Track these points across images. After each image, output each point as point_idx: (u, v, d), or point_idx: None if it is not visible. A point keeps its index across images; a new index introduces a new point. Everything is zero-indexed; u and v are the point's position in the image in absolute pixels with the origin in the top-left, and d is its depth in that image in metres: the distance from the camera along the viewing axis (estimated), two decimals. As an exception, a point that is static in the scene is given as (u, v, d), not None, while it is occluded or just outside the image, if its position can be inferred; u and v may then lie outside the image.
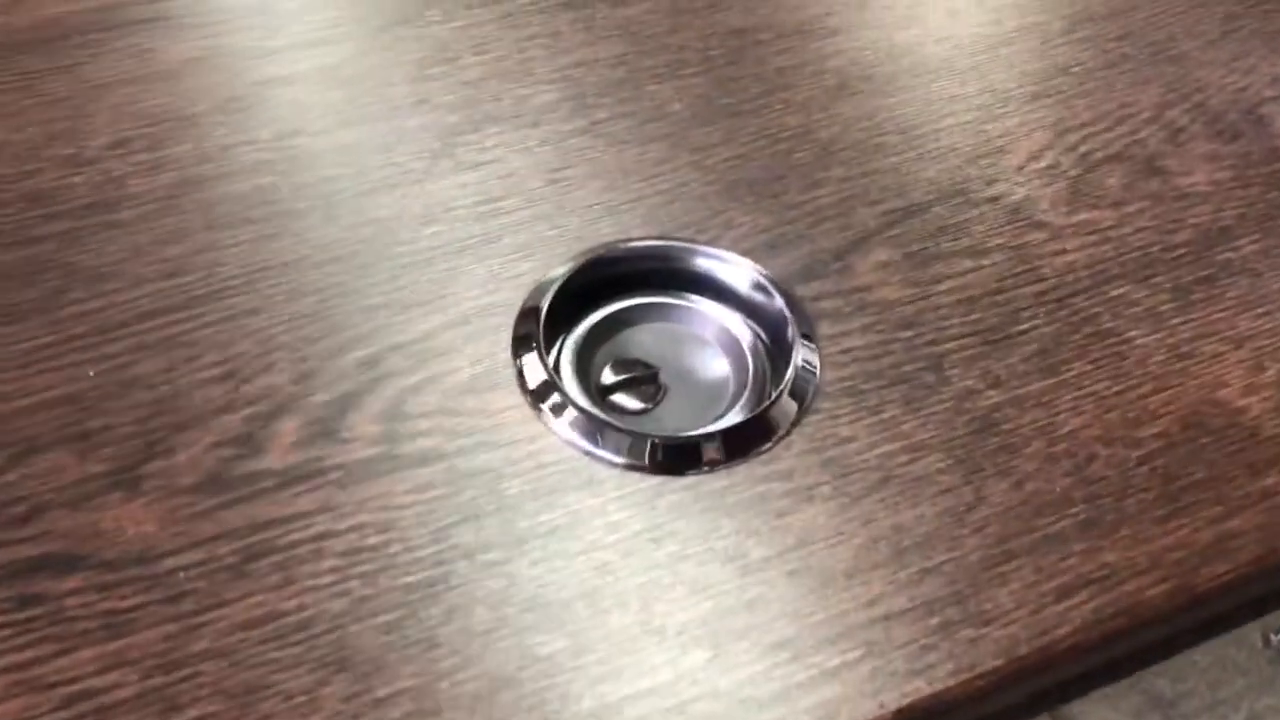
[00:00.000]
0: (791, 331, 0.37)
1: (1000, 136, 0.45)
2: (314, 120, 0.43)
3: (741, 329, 0.39)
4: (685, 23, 0.49)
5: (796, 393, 0.36)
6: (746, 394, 0.37)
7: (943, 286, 0.39)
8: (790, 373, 0.35)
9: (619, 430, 0.34)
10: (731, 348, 0.38)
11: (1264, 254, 0.41)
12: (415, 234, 0.39)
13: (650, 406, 0.37)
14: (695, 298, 0.39)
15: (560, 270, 0.38)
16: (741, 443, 0.34)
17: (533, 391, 0.35)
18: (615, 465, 0.34)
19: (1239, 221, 0.42)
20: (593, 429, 0.34)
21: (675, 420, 0.36)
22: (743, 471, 0.34)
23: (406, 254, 0.39)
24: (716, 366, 0.38)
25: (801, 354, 0.36)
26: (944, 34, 0.49)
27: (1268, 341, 0.38)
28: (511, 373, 0.36)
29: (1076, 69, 0.48)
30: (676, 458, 0.34)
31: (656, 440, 0.34)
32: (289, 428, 0.34)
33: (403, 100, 0.44)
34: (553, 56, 0.47)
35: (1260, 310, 0.39)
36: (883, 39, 0.49)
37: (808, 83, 0.47)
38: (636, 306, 0.39)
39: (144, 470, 0.32)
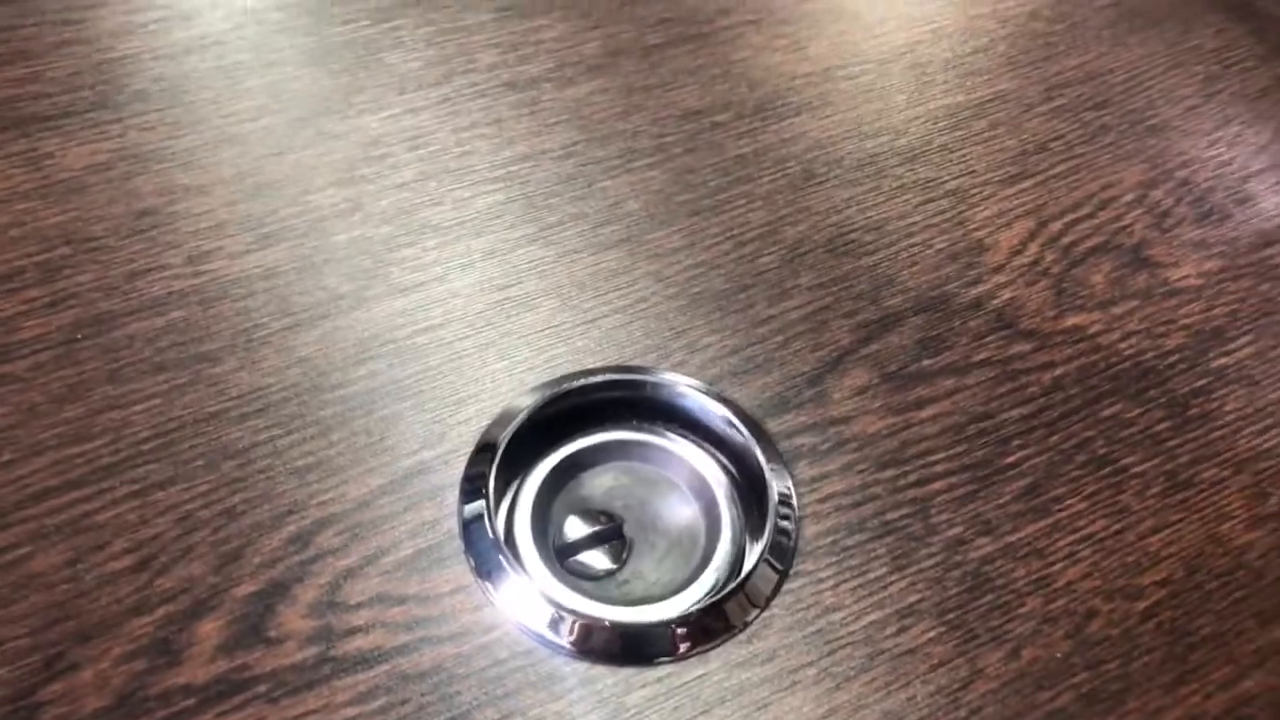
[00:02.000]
0: (767, 481, 0.34)
1: (979, 228, 0.42)
2: (231, 238, 0.39)
3: (712, 469, 0.35)
4: (637, 104, 0.45)
5: (775, 554, 0.33)
6: (721, 546, 0.34)
7: (926, 413, 0.36)
8: (767, 536, 0.32)
9: (580, 616, 0.31)
10: (702, 491, 0.35)
11: (1260, 357, 0.39)
12: (347, 375, 0.36)
13: (616, 567, 0.34)
14: (661, 432, 0.36)
15: (510, 412, 0.35)
16: (717, 623, 0.31)
17: (482, 569, 0.32)
18: (577, 657, 0.30)
19: (1231, 320, 0.40)
20: (552, 614, 0.31)
21: (645, 584, 0.33)
22: (720, 656, 0.31)
23: (338, 401, 0.35)
24: (687, 514, 0.35)
25: (779, 510, 0.33)
26: (912, 108, 0.46)
27: (1269, 464, 0.36)
28: (459, 545, 0.32)
29: (1056, 144, 0.45)
30: (645, 645, 0.31)
31: (623, 628, 0.31)
32: (210, 629, 0.30)
33: (330, 209, 0.40)
34: (496, 149, 0.43)
35: (1260, 425, 0.37)
36: (848, 117, 0.46)
37: (770, 172, 0.43)
38: (596, 446, 0.36)
39: (42, 695, 0.29)
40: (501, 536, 0.32)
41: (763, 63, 0.47)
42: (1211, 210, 0.43)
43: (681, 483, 0.35)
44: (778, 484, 0.34)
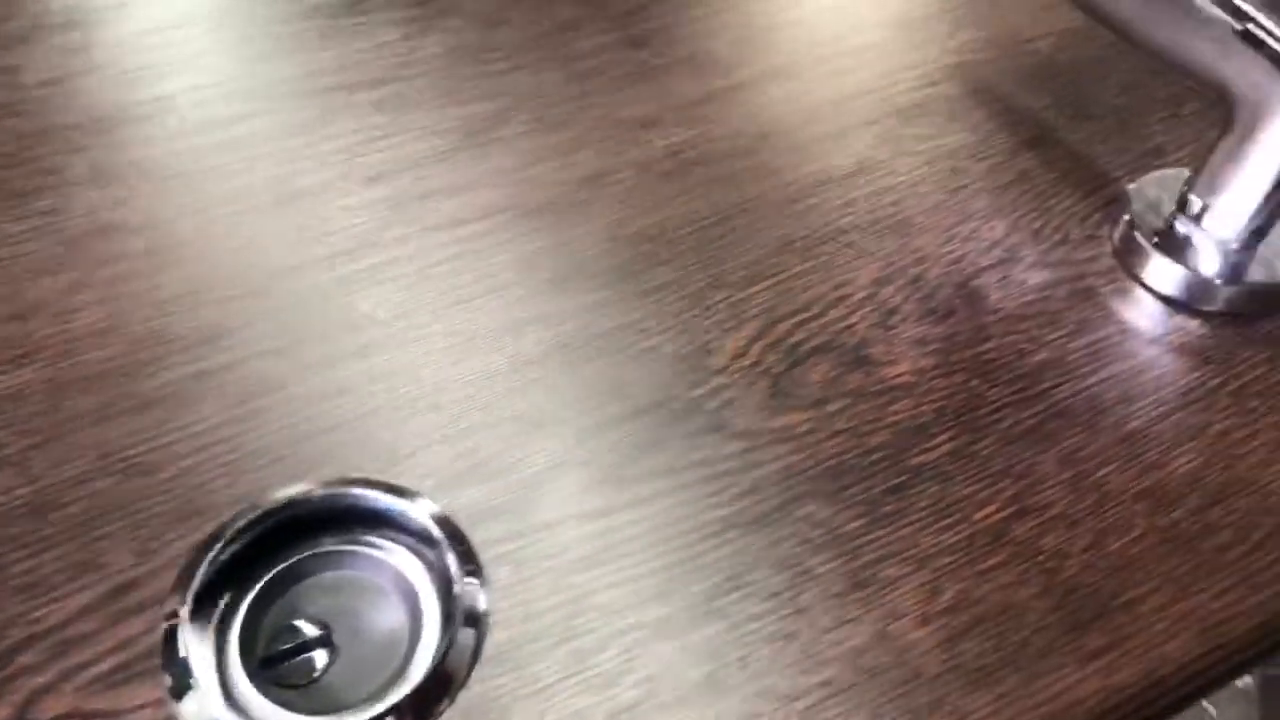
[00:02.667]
0: (453, 591, 0.36)
1: (710, 331, 0.44)
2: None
3: (421, 576, 0.37)
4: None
5: (455, 662, 0.35)
6: (420, 654, 0.36)
7: (629, 516, 0.38)
8: (446, 645, 0.35)
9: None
10: (410, 598, 0.37)
11: (956, 454, 0.41)
12: (72, 493, 0.38)
13: (319, 675, 0.35)
14: (374, 542, 0.38)
15: (222, 526, 0.37)
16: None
17: (177, 684, 0.34)
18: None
19: (937, 416, 0.42)
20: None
21: (347, 692, 0.35)
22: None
23: (61, 520, 0.37)
24: (394, 621, 0.37)
25: (467, 616, 0.35)
26: (659, 211, 0.49)
27: (948, 560, 0.38)
28: (157, 661, 0.34)
29: (798, 244, 0.48)
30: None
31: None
32: (-101, 752, 0.32)
33: (84, 327, 0.43)
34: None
35: (945, 522, 0.39)
36: (599, 225, 0.48)
37: (512, 272, 0.46)
38: (311, 558, 0.38)
39: None
40: (199, 651, 0.34)
41: (535, 172, 0.50)
42: (936, 307, 0.46)
43: (391, 591, 0.38)
44: (471, 591, 0.36)
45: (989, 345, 0.44)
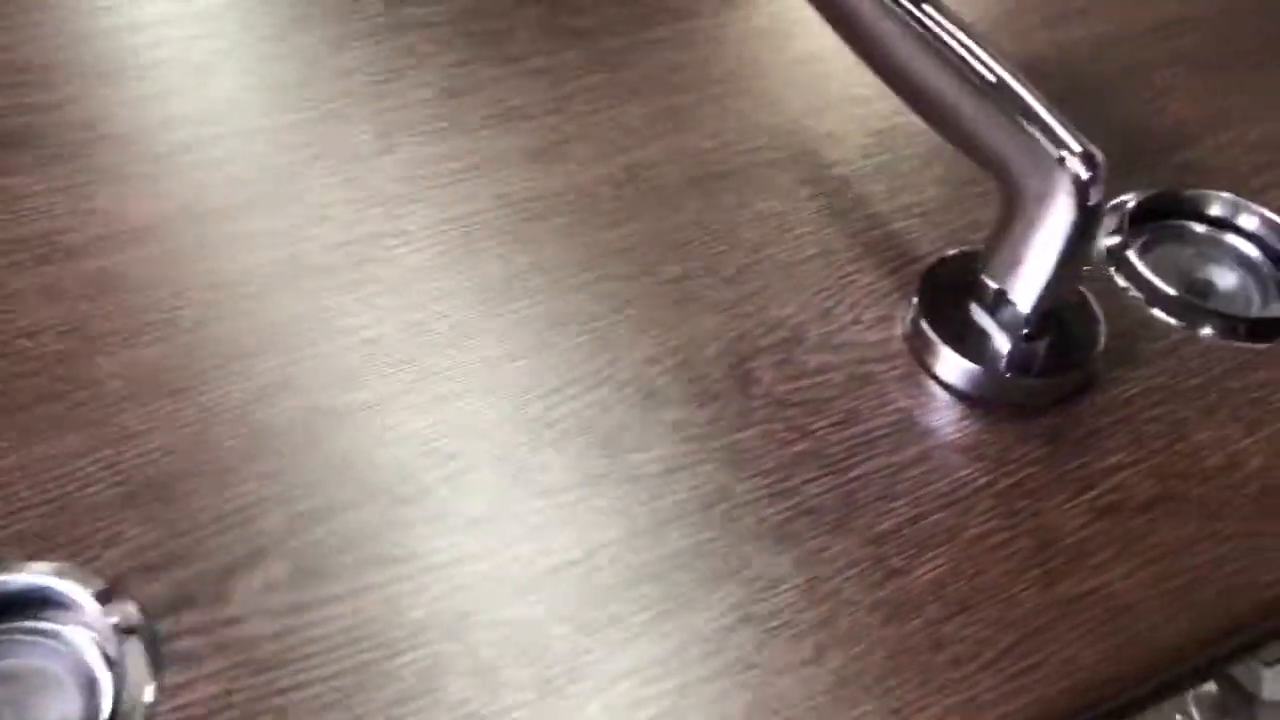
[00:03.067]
0: (119, 691, 0.34)
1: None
2: None
3: (101, 668, 0.36)
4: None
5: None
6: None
7: (323, 614, 0.37)
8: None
9: None
10: (88, 692, 0.36)
11: (685, 553, 0.39)
12: None
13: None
14: (52, 632, 0.37)
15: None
16: None
17: None
18: None
19: (675, 511, 0.40)
20: None
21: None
22: None
23: None
24: (71, 713, 0.36)
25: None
26: (451, 278, 0.46)
27: (655, 671, 0.36)
28: None
29: (582, 315, 0.46)
30: None
31: None
32: None
33: None
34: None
35: (664, 629, 0.37)
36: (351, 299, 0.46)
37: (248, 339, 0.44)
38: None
39: None
40: None
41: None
42: (705, 390, 0.44)
43: (69, 682, 0.36)
44: (135, 690, 0.34)
45: (749, 433, 0.42)
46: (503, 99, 0.55)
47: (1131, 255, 0.49)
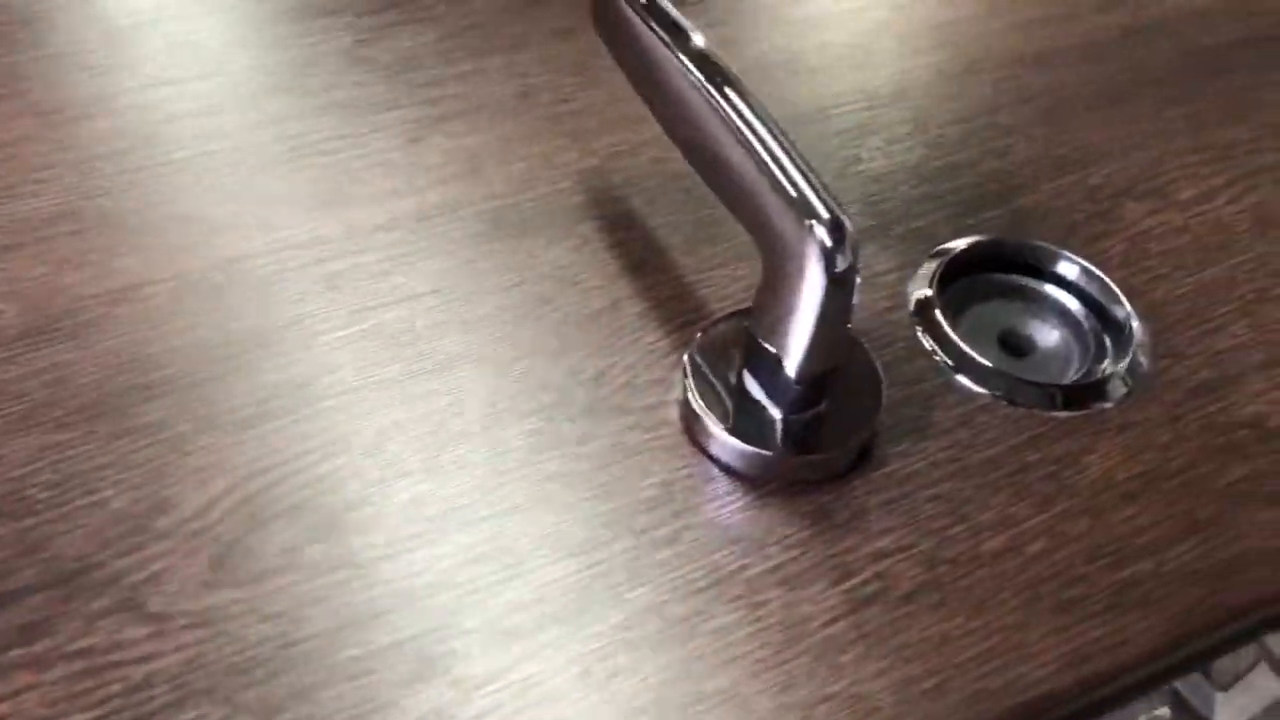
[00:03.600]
0: None
1: (175, 483, 0.39)
2: None
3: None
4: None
5: None
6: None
7: (-27, 719, 0.34)
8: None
9: None
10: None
11: (383, 651, 0.36)
12: None
13: None
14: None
15: None
16: None
17: None
18: None
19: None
20: None
21: None
22: None
23: None
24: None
25: None
26: (179, 337, 0.43)
27: (334, 784, 0.33)
28: None
29: (325, 378, 0.43)
30: None
31: None
32: None
33: None
34: None
35: (352, 734, 0.34)
36: (108, 348, 0.43)
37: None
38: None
39: None
40: None
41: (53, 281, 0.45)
42: (454, 461, 0.41)
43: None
44: None
45: (493, 511, 0.39)
46: (302, 134, 0.52)
47: (938, 314, 0.46)
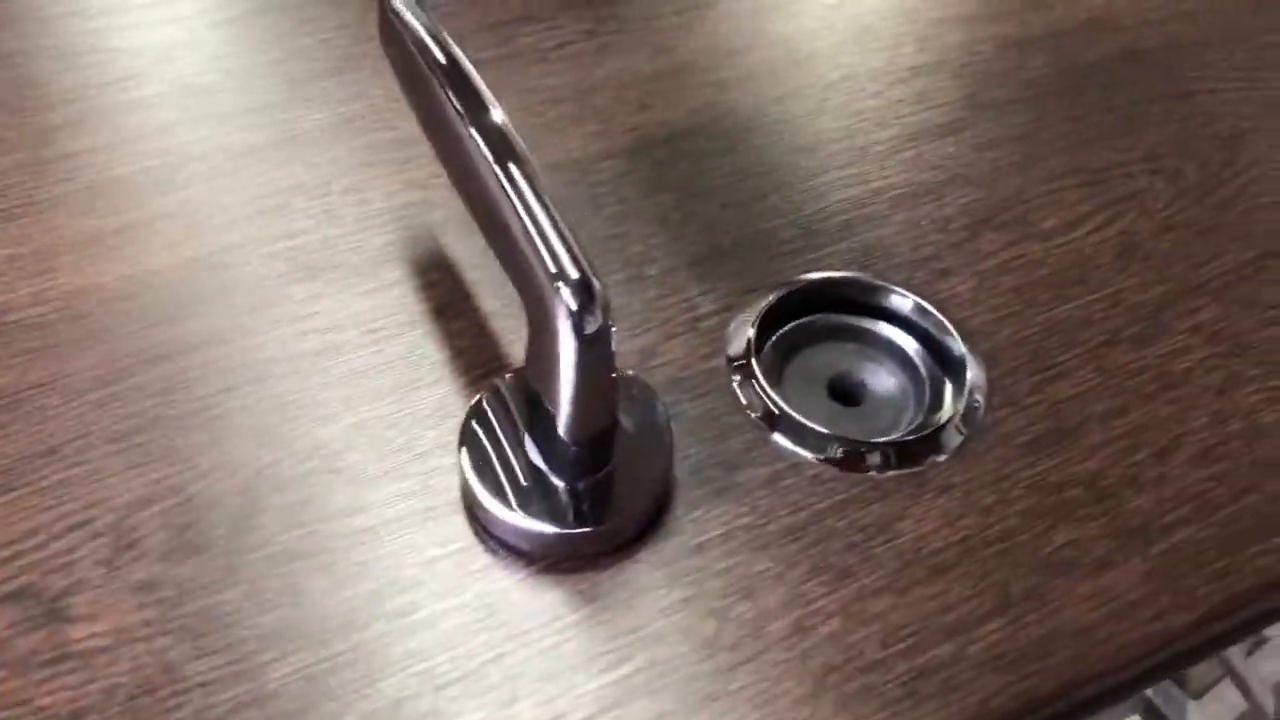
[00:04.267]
0: None
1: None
2: None
3: None
4: None
5: None
6: None
7: None
8: None
9: None
10: None
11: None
12: None
13: None
14: None
15: None
16: None
17: None
18: None
19: (102, 700, 0.33)
20: None
21: None
22: None
23: None
24: None
25: None
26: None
27: None
28: None
29: (76, 443, 0.40)
30: None
31: None
32: None
33: None
34: None
35: None
36: None
37: None
38: None
39: None
40: None
41: None
42: (189, 540, 0.37)
43: None
44: None
45: (228, 595, 0.36)
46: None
47: (754, 363, 0.43)
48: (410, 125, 0.50)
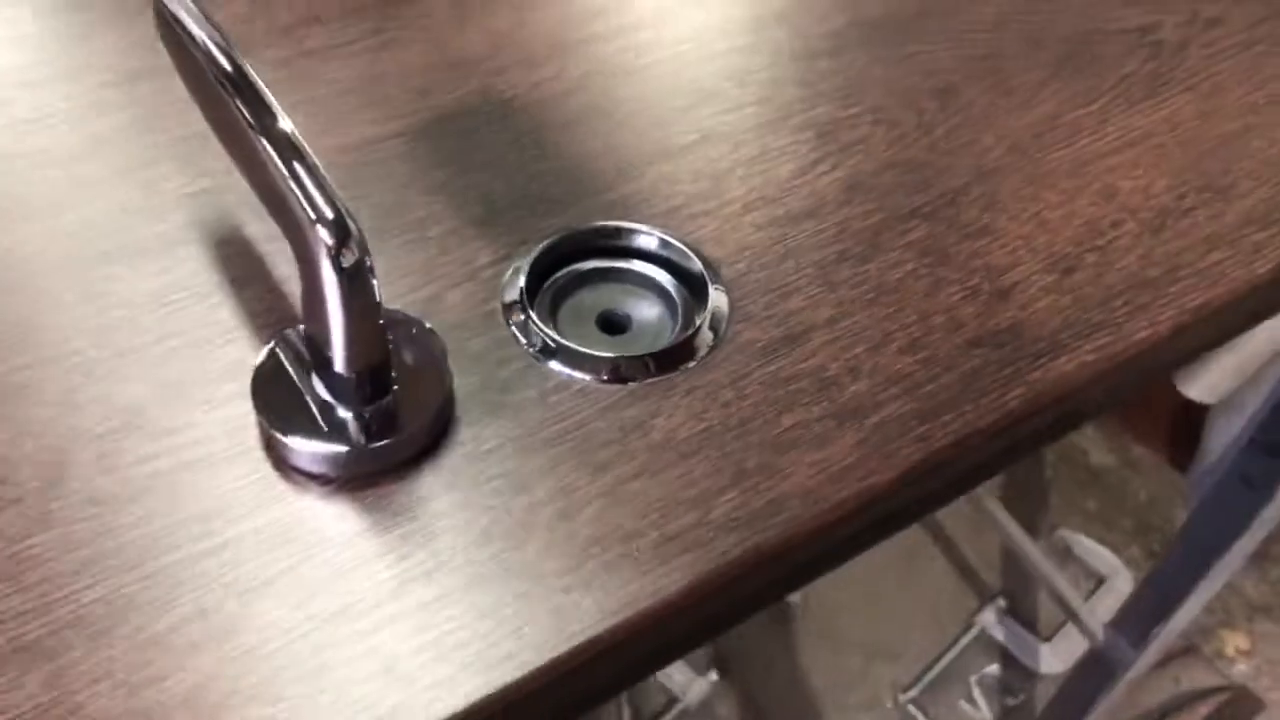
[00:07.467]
0: None
1: None
2: None
3: None
4: None
5: None
6: None
7: None
8: None
9: None
10: None
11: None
12: None
13: None
14: None
15: None
16: None
17: None
18: None
19: None
20: None
21: None
22: None
23: None
24: None
25: None
26: None
27: None
28: None
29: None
30: None
31: None
32: None
33: None
34: None
35: None
36: None
37: None
38: None
39: None
40: None
41: None
42: (3, 495, 0.41)
43: None
44: None
45: (40, 538, 0.40)
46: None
47: (528, 303, 0.48)
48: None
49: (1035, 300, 0.50)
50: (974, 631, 1.82)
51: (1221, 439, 1.27)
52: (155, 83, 0.58)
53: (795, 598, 1.82)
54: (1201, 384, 1.12)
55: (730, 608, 0.43)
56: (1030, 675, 1.85)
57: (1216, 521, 1.24)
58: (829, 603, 1.78)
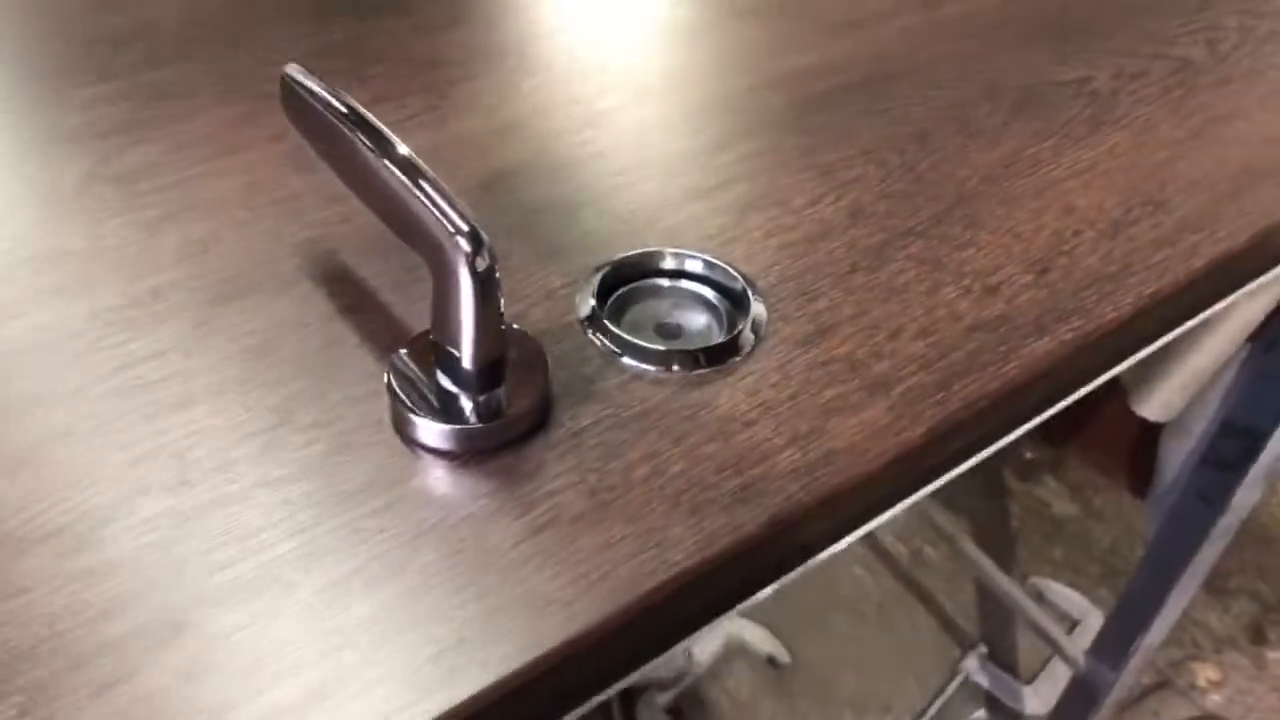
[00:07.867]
0: None
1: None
2: None
3: None
4: None
5: None
6: None
7: None
8: None
9: None
10: None
11: None
12: None
13: None
14: None
15: None
16: None
17: None
18: None
19: None
20: None
21: None
22: None
23: None
24: None
25: None
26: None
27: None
28: None
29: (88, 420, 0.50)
30: None
31: None
32: None
33: None
34: None
35: None
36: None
37: None
38: None
39: None
40: None
41: None
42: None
43: None
44: None
45: (235, 508, 0.47)
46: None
47: (602, 315, 0.57)
48: (301, 182, 0.64)
49: (1018, 295, 0.61)
50: (959, 679, 1.89)
51: (1175, 460, 1.37)
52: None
53: (785, 657, 1.88)
54: (1154, 403, 1.22)
55: (794, 550, 0.51)
56: (1016, 717, 1.92)
57: (1179, 539, 1.33)
58: (816, 661, 1.84)
